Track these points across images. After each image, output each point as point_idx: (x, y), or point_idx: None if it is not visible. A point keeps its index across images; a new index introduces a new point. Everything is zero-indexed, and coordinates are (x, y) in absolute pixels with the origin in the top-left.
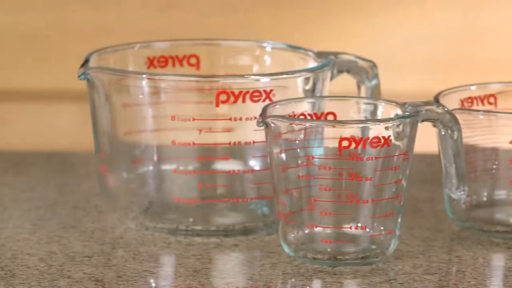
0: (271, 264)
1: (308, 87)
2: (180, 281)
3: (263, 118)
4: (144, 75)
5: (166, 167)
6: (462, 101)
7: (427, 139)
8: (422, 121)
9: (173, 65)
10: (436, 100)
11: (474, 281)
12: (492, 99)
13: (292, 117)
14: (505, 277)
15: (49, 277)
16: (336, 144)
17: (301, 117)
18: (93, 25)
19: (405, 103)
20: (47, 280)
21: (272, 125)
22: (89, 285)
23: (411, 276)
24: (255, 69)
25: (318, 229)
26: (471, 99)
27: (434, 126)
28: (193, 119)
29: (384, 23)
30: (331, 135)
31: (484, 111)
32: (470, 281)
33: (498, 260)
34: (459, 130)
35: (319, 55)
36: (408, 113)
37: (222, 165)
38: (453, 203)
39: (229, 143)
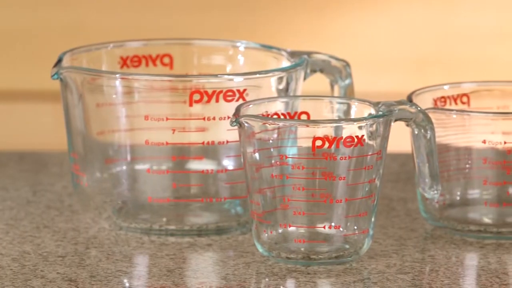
0: (244, 263)
1: (281, 86)
2: (153, 281)
3: (237, 118)
4: (117, 75)
5: (140, 166)
6: (435, 101)
7: (400, 138)
8: (396, 120)
9: (146, 64)
10: (409, 99)
11: (447, 280)
12: (465, 99)
13: (265, 117)
14: (478, 276)
15: (22, 277)
16: (310, 144)
17: (275, 116)
18: (66, 25)
19: (378, 103)
20: (20, 280)
21: (246, 124)
22: (63, 285)
23: (384, 275)
24: (229, 69)
25: (292, 228)
26: (444, 99)
27: (408, 125)
28: (167, 119)
29: (358, 23)
30: (304, 135)
31: (457, 110)
32: (444, 280)
33: (471, 259)
34: (432, 130)
35: (292, 54)
36: (381, 113)
37: (196, 165)
38: (426, 202)
39: (203, 143)
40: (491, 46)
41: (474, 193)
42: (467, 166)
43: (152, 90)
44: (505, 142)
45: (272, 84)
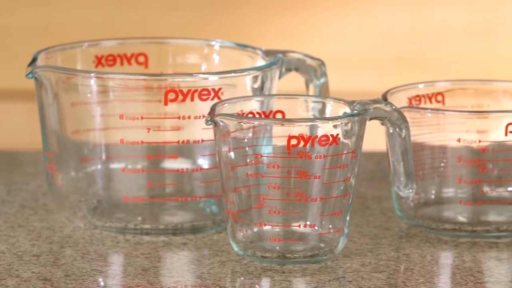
0: (220, 262)
1: (256, 85)
2: (128, 279)
3: (212, 117)
4: (92, 74)
5: (115, 165)
6: (410, 99)
7: (375, 137)
8: (371, 119)
9: (121, 63)
10: (384, 98)
11: (422, 278)
12: (440, 97)
13: (240, 116)
14: (453, 275)
15: None
16: (285, 143)
17: (250, 115)
18: (40, 24)
19: (353, 101)
20: None
21: (221, 123)
22: (38, 285)
23: (359, 274)
24: (204, 68)
25: (267, 227)
26: (419, 97)
27: (383, 124)
28: (142, 118)
29: (333, 22)
30: (279, 134)
31: (432, 109)
32: (418, 278)
33: (446, 258)
34: (407, 128)
35: (268, 53)
36: (356, 111)
37: (171, 164)
38: (401, 201)
39: (178, 142)
40: (465, 45)
41: (449, 191)
42: (442, 164)
43: (127, 89)
44: (479, 141)
45: (247, 83)
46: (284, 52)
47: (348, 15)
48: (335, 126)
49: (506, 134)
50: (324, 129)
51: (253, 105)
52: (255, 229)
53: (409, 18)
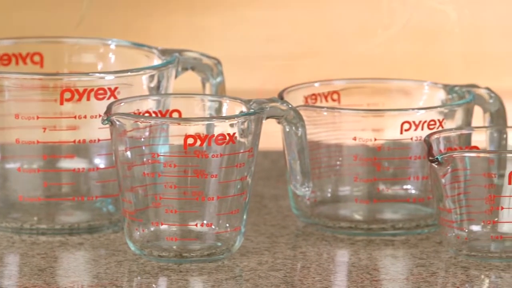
0: (116, 262)
1: (153, 84)
2: (25, 280)
3: (108, 116)
4: None
5: (10, 165)
6: (306, 98)
7: (272, 136)
8: (267, 118)
9: (17, 63)
10: (281, 97)
11: (318, 277)
12: (335, 96)
13: (137, 115)
14: (349, 273)
15: None
16: (182, 142)
17: (146, 114)
18: None
19: (249, 100)
20: None
21: (117, 123)
22: None
23: (256, 272)
24: (100, 67)
25: (164, 226)
26: (315, 96)
27: (279, 122)
28: (37, 117)
29: (228, 21)
30: (176, 133)
31: (327, 107)
32: (315, 277)
33: (342, 256)
34: (303, 127)
35: (164, 52)
36: (252, 110)
37: (67, 163)
38: (297, 199)
39: (74, 141)
40: (360, 44)
41: (345, 190)
42: (338, 163)
43: (22, 88)
44: (375, 139)
45: (143, 82)
46: (180, 51)
47: (243, 14)
48: (231, 125)
49: (401, 132)
50: (221, 128)
51: (150, 104)
52: (152, 229)
53: (305, 17)
